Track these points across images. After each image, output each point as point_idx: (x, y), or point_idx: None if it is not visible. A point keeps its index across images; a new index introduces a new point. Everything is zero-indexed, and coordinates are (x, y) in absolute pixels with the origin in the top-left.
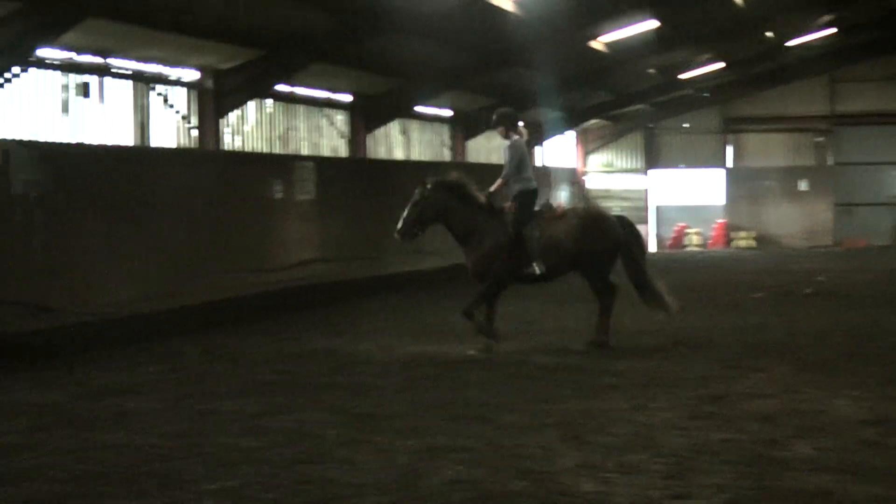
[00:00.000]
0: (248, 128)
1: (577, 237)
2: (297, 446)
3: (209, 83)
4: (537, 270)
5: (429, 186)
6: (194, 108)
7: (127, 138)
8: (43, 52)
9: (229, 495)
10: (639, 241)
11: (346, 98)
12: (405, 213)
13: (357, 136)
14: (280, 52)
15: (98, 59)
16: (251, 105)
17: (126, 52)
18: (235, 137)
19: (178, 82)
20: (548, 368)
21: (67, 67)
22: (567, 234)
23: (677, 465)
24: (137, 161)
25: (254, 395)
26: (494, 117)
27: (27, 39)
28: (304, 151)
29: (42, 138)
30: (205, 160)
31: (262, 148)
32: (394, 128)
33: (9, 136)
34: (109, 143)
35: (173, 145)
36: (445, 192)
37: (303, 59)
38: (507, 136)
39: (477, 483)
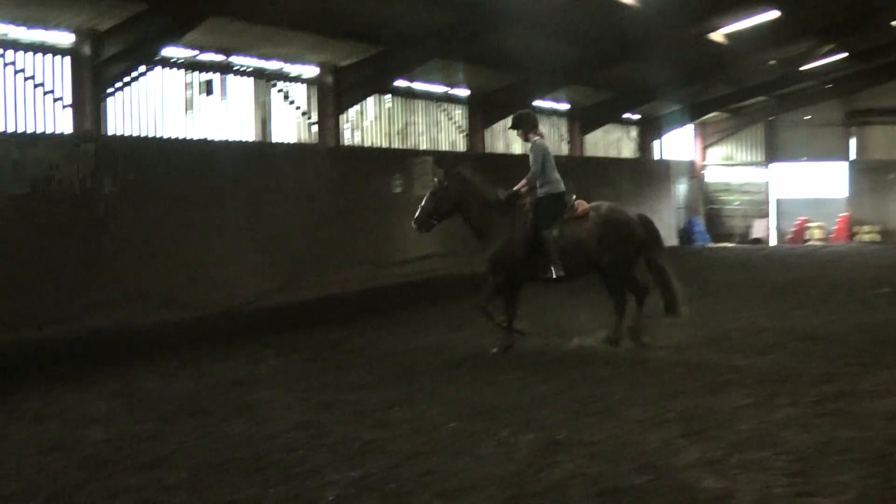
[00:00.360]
0: (367, 123)
1: (598, 237)
2: (417, 438)
3: (329, 79)
4: (555, 274)
5: (445, 179)
6: (314, 104)
7: (249, 134)
8: (168, 52)
9: (352, 486)
10: (659, 241)
11: (464, 93)
12: (423, 204)
13: (475, 131)
14: (399, 48)
15: (221, 58)
16: (370, 100)
17: (248, 50)
18: (355, 133)
19: (298, 79)
20: (667, 363)
21: (191, 66)
22: (589, 234)
23: (801, 462)
24: (260, 157)
25: (375, 387)
26: (512, 119)
27: (152, 39)
28: (423, 146)
29: (166, 135)
30: (325, 156)
31: (381, 143)
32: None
33: (127, 133)
34: (232, 139)
35: (294, 141)
36: (463, 184)
37: (422, 54)
38: (526, 139)
39: (597, 477)
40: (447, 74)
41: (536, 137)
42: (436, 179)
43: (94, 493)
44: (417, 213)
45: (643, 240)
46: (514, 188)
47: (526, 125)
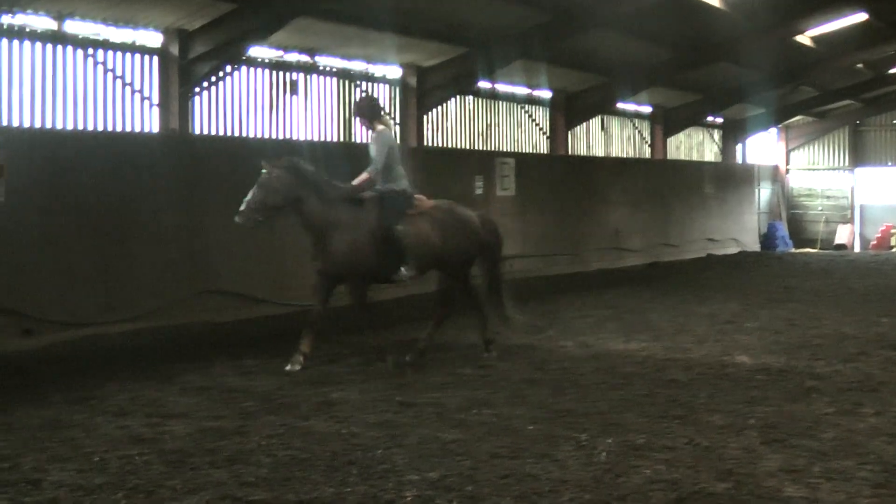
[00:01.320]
0: (449, 124)
1: (443, 234)
2: (496, 440)
3: (412, 80)
4: (407, 275)
5: (275, 168)
6: (397, 104)
7: (332, 134)
8: (253, 52)
9: (430, 487)
10: (499, 244)
11: (547, 94)
12: (248, 196)
13: (557, 133)
14: (483, 49)
15: (305, 58)
16: (453, 101)
17: (332, 50)
18: (437, 133)
19: (382, 79)
20: (748, 370)
21: (276, 66)
22: (433, 230)
23: (887, 473)
24: (343, 156)
25: (454, 388)
26: (354, 106)
27: (239, 39)
28: (505, 148)
29: (250, 134)
30: (407, 156)
31: (462, 144)
32: (594, 124)
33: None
34: (316, 139)
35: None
36: (296, 176)
37: (506, 56)
38: (371, 127)
39: (677, 483)
40: (530, 75)
41: (381, 127)
42: (263, 170)
43: (176, 487)
44: (242, 208)
45: (484, 242)
46: (355, 182)
47: (370, 113)
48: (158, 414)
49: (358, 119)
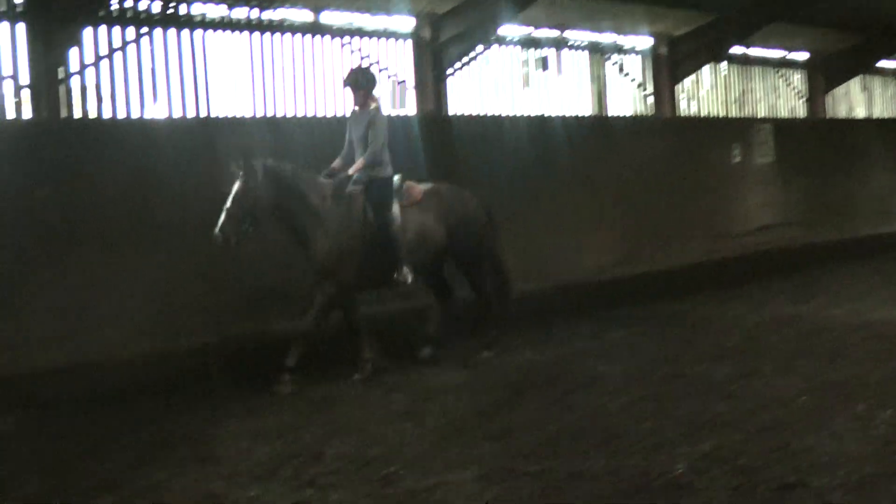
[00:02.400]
0: (703, 92)
1: (447, 226)
2: (767, 413)
3: (664, 50)
4: (408, 278)
5: (251, 175)
6: (649, 75)
7: (585, 109)
8: (504, 30)
9: (702, 459)
10: (494, 224)
11: (803, 56)
12: (228, 207)
13: (815, 96)
14: (735, 15)
15: (555, 33)
16: (706, 69)
17: (581, 24)
18: (691, 103)
19: (632, 51)
20: None
21: (527, 43)
22: (436, 223)
23: None
24: (597, 131)
25: (721, 360)
26: (350, 77)
27: (490, 20)
28: (761, 114)
29: (504, 112)
30: (661, 127)
31: (717, 112)
32: (854, 85)
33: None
34: (569, 114)
35: (630, 113)
36: (276, 178)
37: (759, 19)
38: (363, 104)
39: None
40: (785, 38)
41: (375, 104)
42: (241, 176)
43: (449, 459)
44: (222, 221)
45: (485, 224)
46: (349, 171)
47: (367, 85)
48: (429, 388)
49: (352, 92)
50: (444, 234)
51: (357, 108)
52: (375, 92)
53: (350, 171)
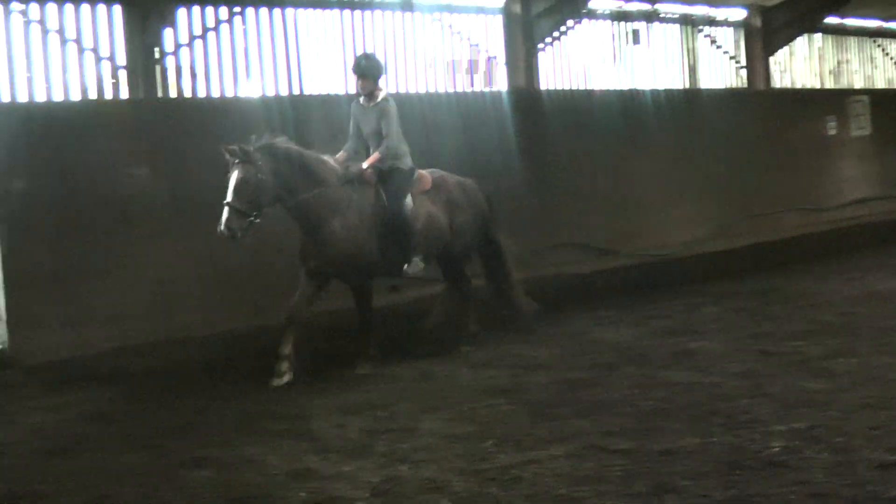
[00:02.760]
0: (797, 64)
1: (451, 214)
2: (864, 390)
3: (757, 21)
4: (418, 266)
5: (253, 158)
6: (742, 46)
7: (676, 82)
8: (594, 3)
9: (797, 437)
10: (496, 213)
11: None
12: (229, 201)
13: None
14: None
15: (646, 6)
16: (800, 40)
17: None
18: (784, 75)
19: (724, 22)
20: None
21: (617, 16)
22: (443, 211)
23: None
24: (689, 104)
25: (816, 336)
26: (359, 64)
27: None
28: (857, 85)
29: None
30: (755, 99)
31: (812, 84)
32: None
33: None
34: (660, 87)
35: (722, 86)
36: (285, 160)
37: None
38: (371, 94)
39: None
40: (881, 7)
41: (384, 93)
42: (237, 162)
43: (541, 436)
44: (227, 215)
45: (486, 213)
46: (365, 164)
47: (376, 73)
48: (520, 365)
49: (360, 81)
50: (448, 222)
51: (363, 97)
52: (382, 81)
53: (364, 165)
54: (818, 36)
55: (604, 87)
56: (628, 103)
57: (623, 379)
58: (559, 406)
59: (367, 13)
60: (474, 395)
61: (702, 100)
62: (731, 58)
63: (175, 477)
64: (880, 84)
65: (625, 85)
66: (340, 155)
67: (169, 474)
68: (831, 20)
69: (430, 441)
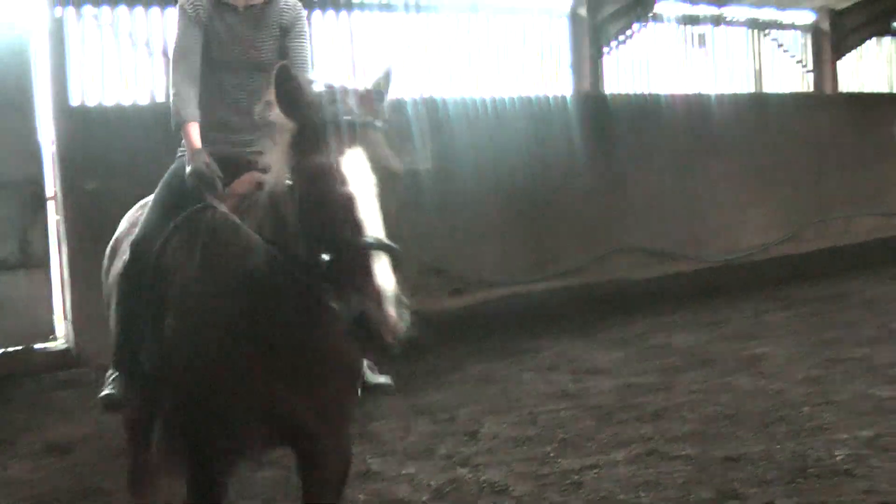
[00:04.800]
0: (867, 68)
1: None
2: None
3: (825, 24)
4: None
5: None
6: (810, 51)
7: (743, 86)
8: (661, 7)
9: (863, 446)
10: None
11: None
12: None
13: None
14: None
15: (713, 10)
16: (870, 44)
17: (740, 0)
18: (854, 78)
19: (792, 26)
20: None
21: (684, 20)
22: None
23: None
24: (755, 109)
25: (885, 343)
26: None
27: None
28: None
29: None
30: (823, 104)
31: (882, 88)
32: None
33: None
34: (726, 91)
35: (790, 91)
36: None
37: None
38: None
39: None
40: None
41: None
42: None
43: (604, 441)
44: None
45: None
46: None
47: None
48: (583, 370)
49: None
50: None
51: None
52: None
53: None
54: (888, 39)
55: (670, 91)
56: (694, 107)
57: (687, 384)
58: (621, 410)
59: (432, 15)
60: (536, 398)
61: (768, 104)
62: (798, 62)
63: (239, 476)
64: None
65: (691, 89)
66: None
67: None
68: None
69: (491, 444)
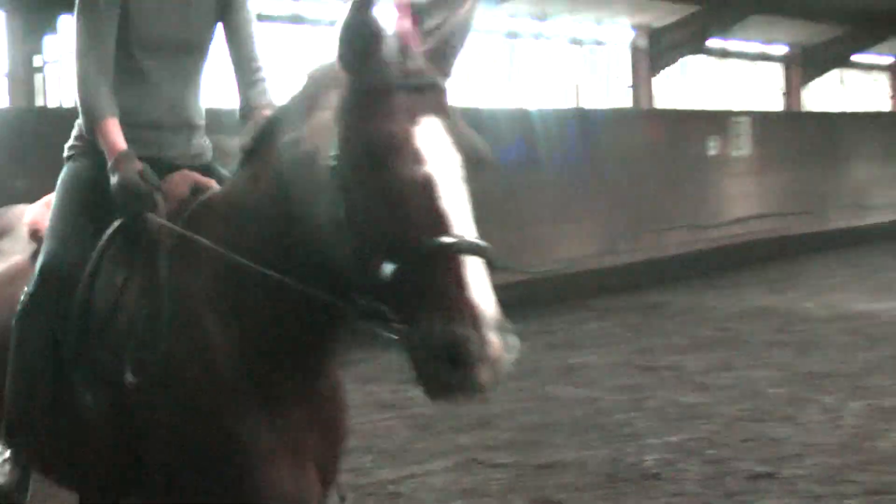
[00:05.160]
0: (680, 85)
1: None
2: (740, 403)
3: (643, 42)
4: None
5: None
6: (630, 67)
7: (564, 101)
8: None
9: (672, 450)
10: None
11: (781, 50)
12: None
13: (793, 89)
14: (718, 6)
15: (535, 24)
16: (683, 62)
17: (561, 15)
18: (669, 95)
19: (611, 43)
20: None
21: (506, 35)
22: None
23: None
24: (576, 123)
25: (695, 351)
26: None
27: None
28: (739, 107)
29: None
30: (640, 119)
31: (694, 105)
32: (832, 79)
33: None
34: (548, 106)
35: (608, 106)
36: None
37: (741, 11)
38: None
39: None
40: (764, 30)
41: None
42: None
43: (422, 451)
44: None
45: None
46: None
47: None
48: (403, 380)
49: None
50: None
51: None
52: None
53: None
54: (702, 57)
55: (493, 105)
56: (518, 121)
57: (505, 394)
58: (440, 421)
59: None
60: (353, 409)
61: (589, 119)
62: (617, 78)
63: None
64: (760, 106)
65: (514, 103)
66: None
67: None
68: (714, 43)
69: None
